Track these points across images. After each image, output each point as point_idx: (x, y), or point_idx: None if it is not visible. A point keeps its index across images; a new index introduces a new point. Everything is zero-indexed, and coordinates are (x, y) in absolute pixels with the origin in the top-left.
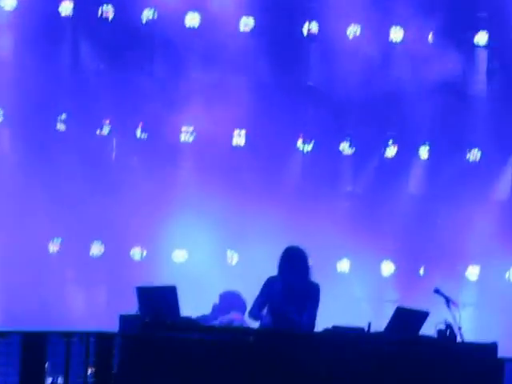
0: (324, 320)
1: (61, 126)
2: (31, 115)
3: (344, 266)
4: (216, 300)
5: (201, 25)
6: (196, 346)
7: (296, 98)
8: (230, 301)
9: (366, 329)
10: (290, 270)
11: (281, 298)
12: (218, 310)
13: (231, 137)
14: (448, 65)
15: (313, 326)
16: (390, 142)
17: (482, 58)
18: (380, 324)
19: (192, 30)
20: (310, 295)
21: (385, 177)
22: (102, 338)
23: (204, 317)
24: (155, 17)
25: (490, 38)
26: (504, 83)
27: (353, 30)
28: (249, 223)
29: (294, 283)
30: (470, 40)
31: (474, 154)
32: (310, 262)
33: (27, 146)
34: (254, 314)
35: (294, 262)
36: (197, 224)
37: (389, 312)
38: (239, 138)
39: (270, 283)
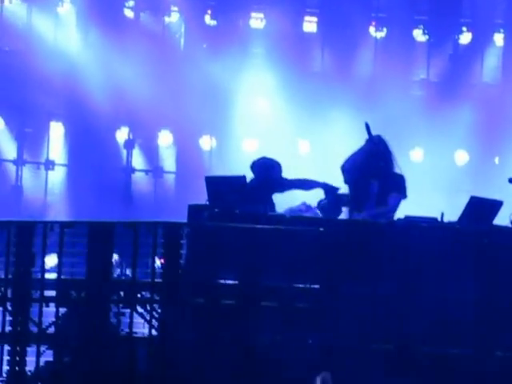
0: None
1: (128, 13)
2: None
3: (417, 155)
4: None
5: None
6: (265, 236)
7: None
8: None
9: (440, 218)
10: None
11: None
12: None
13: (302, 23)
14: None
15: None
16: (464, 28)
17: None
18: (454, 214)
19: None
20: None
21: (459, 65)
22: (170, 227)
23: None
24: None
25: None
26: None
27: None
28: (319, 111)
29: None
30: None
31: None
32: None
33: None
34: None
35: None
36: (267, 113)
37: (463, 202)
38: (310, 25)
39: None
